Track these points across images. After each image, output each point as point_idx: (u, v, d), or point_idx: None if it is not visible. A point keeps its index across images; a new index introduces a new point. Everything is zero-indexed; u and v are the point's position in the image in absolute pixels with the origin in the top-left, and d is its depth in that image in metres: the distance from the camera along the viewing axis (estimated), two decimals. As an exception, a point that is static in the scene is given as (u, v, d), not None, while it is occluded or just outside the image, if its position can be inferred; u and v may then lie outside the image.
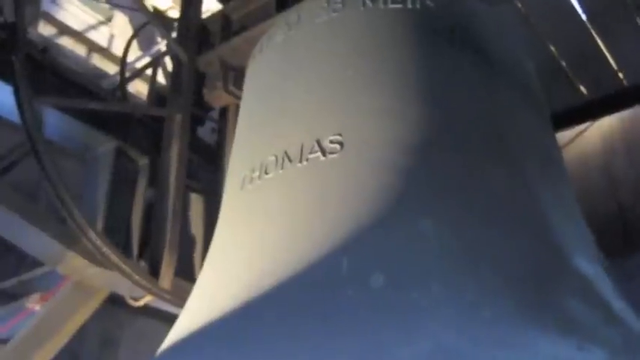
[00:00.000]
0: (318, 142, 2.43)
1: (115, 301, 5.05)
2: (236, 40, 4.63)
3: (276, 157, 2.51)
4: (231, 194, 2.76)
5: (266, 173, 2.52)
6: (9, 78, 4.09)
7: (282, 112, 2.74)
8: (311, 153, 2.42)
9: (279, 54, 3.00)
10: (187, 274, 4.85)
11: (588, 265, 2.29)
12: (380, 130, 2.41)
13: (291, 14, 3.09)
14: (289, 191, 2.40)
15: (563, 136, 6.06)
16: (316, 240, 2.16)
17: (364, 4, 2.84)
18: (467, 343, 1.72)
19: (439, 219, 2.12)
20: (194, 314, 2.35)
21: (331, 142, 2.41)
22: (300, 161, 2.43)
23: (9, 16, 4.16)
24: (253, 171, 2.58)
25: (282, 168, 2.46)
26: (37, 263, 5.25)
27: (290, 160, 2.46)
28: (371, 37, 2.76)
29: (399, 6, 2.82)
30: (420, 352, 1.69)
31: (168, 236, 4.52)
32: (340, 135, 2.41)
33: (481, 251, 2.07)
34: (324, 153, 2.39)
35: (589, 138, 6.27)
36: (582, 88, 6.16)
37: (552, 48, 5.93)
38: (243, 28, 4.74)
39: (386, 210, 2.17)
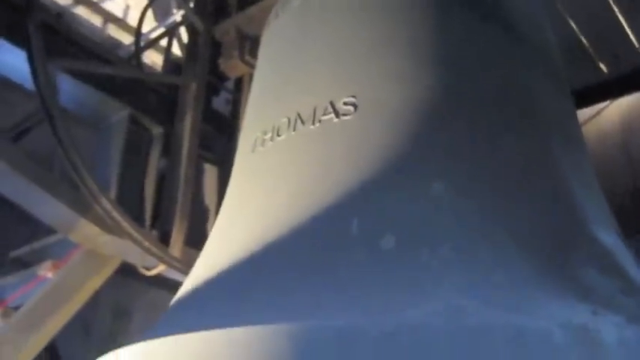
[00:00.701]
0: (332, 104, 2.39)
1: (127, 271, 5.06)
2: (252, 9, 4.61)
3: (289, 119, 2.47)
4: (243, 157, 2.74)
5: (278, 135, 2.48)
6: (23, 43, 4.07)
7: (296, 75, 2.71)
8: (324, 115, 2.38)
9: (294, 19, 2.96)
10: (200, 244, 4.82)
11: (607, 235, 2.25)
12: (395, 92, 2.37)
13: (308, -21, 3.05)
14: (301, 152, 2.37)
15: (582, 114, 5.99)
16: (326, 201, 2.13)
17: (383, -32, 2.80)
18: (478, 305, 1.69)
19: (453, 182, 2.09)
20: (202, 273, 2.34)
21: (345, 103, 2.37)
22: (313, 123, 2.39)
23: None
24: (265, 133, 2.55)
25: (294, 130, 2.43)
26: (50, 231, 5.26)
27: (302, 122, 2.42)
28: (389, 1, 2.72)
29: (419, -29, 2.77)
30: (431, 312, 1.66)
31: (179, 204, 4.51)
32: (354, 97, 2.37)
33: (495, 216, 2.03)
34: (337, 115, 2.36)
35: (608, 116, 6.21)
36: (602, 66, 6.09)
37: (573, 25, 5.86)
38: (260, -3, 4.71)
39: (398, 172, 2.13)
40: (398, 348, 1.56)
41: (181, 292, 2.43)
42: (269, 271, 2.05)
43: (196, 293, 2.28)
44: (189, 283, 2.40)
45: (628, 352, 1.68)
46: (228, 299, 2.04)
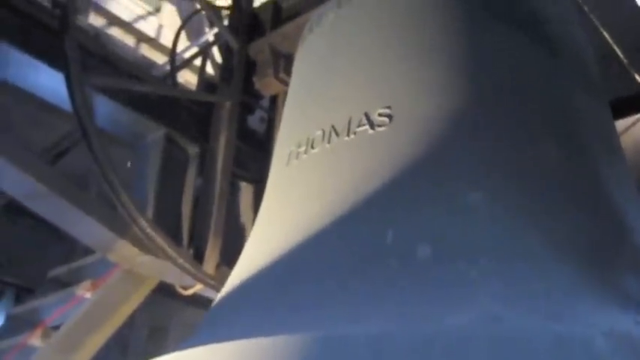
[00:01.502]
0: (367, 115, 2.38)
1: (164, 290, 5.09)
2: (286, 27, 4.65)
3: (323, 131, 2.47)
4: (277, 170, 2.74)
5: (312, 148, 2.48)
6: (60, 65, 4.12)
7: (330, 87, 2.71)
8: (359, 126, 2.37)
9: (328, 32, 2.96)
10: (236, 262, 4.85)
11: (648, 244, 2.22)
12: (429, 102, 2.36)
13: (341, -7, 3.06)
14: (336, 165, 2.37)
15: (617, 125, 5.94)
16: (361, 211, 2.12)
17: (417, -20, 2.80)
18: (518, 314, 1.67)
19: (490, 192, 2.07)
20: (237, 284, 2.34)
21: (380, 115, 2.36)
22: (348, 135, 2.38)
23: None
24: (299, 146, 2.55)
25: (328, 142, 2.42)
26: (87, 251, 5.31)
27: (337, 134, 2.42)
28: (423, 12, 2.71)
29: (454, -21, 2.77)
30: (468, 320, 1.65)
31: (213, 222, 4.53)
32: (389, 108, 2.36)
33: (533, 225, 2.00)
34: (372, 126, 2.35)
35: (644, 128, 6.14)
36: (637, 77, 6.03)
37: (607, 36, 5.81)
38: (295, 15, 4.74)
39: (434, 182, 2.12)
40: (434, 357, 1.55)
41: (215, 304, 2.43)
42: (304, 281, 2.04)
43: (230, 305, 2.28)
44: (223, 295, 2.40)
45: (671, 360, 1.65)
46: (263, 310, 2.03)
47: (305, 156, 2.49)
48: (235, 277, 2.42)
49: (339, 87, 2.66)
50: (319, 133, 2.48)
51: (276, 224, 2.45)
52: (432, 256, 1.90)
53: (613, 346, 1.57)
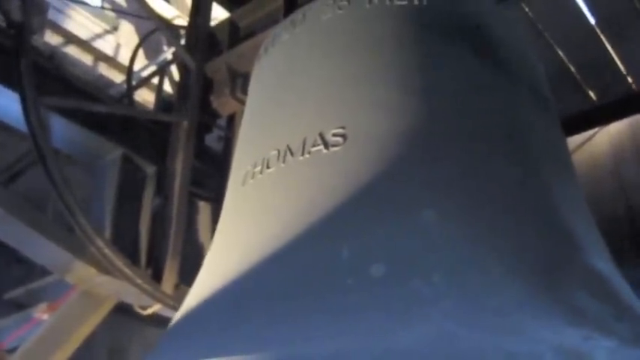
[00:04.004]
0: (321, 135, 2.40)
1: (123, 310, 5.05)
2: (243, 46, 4.65)
3: (279, 151, 2.49)
4: (233, 190, 2.75)
5: (267, 167, 2.49)
6: (15, 84, 4.09)
7: (285, 107, 2.72)
8: (313, 146, 2.39)
9: (283, 52, 2.99)
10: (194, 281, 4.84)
11: (598, 260, 2.26)
12: (383, 123, 2.38)
13: (296, 14, 3.08)
14: (291, 184, 2.38)
15: (572, 141, 6.03)
16: (316, 230, 2.14)
17: (370, 1, 2.83)
18: (470, 331, 1.69)
19: (443, 210, 2.09)
20: (193, 305, 2.34)
21: (334, 135, 2.38)
22: (302, 154, 2.40)
23: (16, 16, 4.16)
24: (255, 166, 2.56)
25: (283, 162, 2.44)
26: (46, 272, 5.26)
27: (292, 154, 2.43)
28: (376, 33, 2.74)
29: (405, 3, 2.80)
30: (422, 338, 1.66)
31: (171, 242, 4.52)
32: (343, 128, 2.38)
33: (486, 242, 2.03)
34: (326, 146, 2.37)
35: (598, 143, 6.25)
36: (591, 94, 6.14)
37: (561, 53, 5.91)
38: (251, 34, 4.75)
39: (388, 201, 2.14)
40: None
41: (172, 325, 2.43)
42: (259, 302, 2.05)
43: (186, 326, 2.28)
44: (180, 316, 2.40)
45: (620, 375, 1.68)
46: (219, 331, 2.03)
47: (260, 176, 2.51)
48: (192, 297, 2.42)
49: (293, 107, 2.68)
50: (274, 152, 2.50)
51: (233, 244, 2.46)
52: (385, 274, 1.91)
53: (562, 361, 1.60)
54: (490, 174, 2.29)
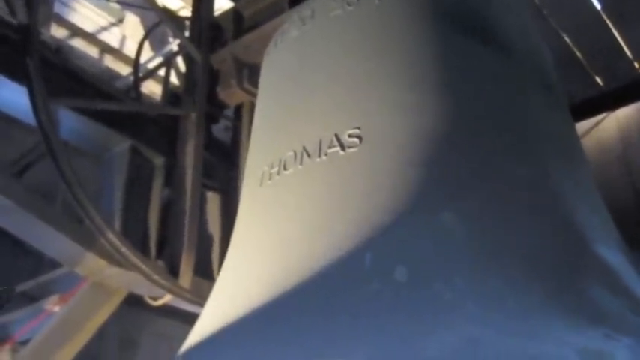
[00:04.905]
0: (337, 137, 2.41)
1: (133, 301, 5.06)
2: (248, 37, 4.63)
3: (295, 152, 2.50)
4: (250, 191, 2.75)
5: (285, 169, 2.50)
6: (23, 79, 4.09)
7: (299, 107, 2.73)
8: (330, 148, 2.40)
9: (293, 49, 2.98)
10: (205, 272, 4.85)
11: (612, 253, 2.27)
12: (399, 123, 2.39)
13: (304, 9, 3.07)
14: (309, 187, 2.39)
15: (580, 127, 6.03)
16: (338, 235, 2.14)
17: (379, -3, 2.82)
18: (494, 334, 1.71)
19: (461, 212, 2.10)
20: (215, 314, 2.34)
21: (350, 136, 2.39)
22: (319, 156, 2.41)
23: (22, 17, 4.16)
24: (272, 167, 2.57)
25: (300, 164, 2.45)
26: (55, 264, 5.27)
27: (309, 156, 2.44)
28: (386, 29, 2.74)
29: (414, -2, 2.80)
30: (447, 344, 1.68)
31: (186, 235, 4.52)
32: (359, 129, 2.39)
33: (505, 243, 2.04)
34: (343, 147, 2.38)
35: (606, 129, 6.23)
36: (598, 79, 6.13)
37: (567, 39, 5.90)
38: (256, 24, 4.74)
39: (407, 204, 2.15)
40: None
41: (194, 333, 2.43)
42: (284, 308, 2.06)
43: (213, 333, 2.28)
44: (203, 323, 2.41)
45: (641, 373, 1.70)
46: (244, 339, 2.05)
47: (278, 177, 2.52)
48: (214, 304, 2.43)
49: (307, 107, 2.68)
50: (291, 154, 2.51)
51: (253, 249, 2.46)
52: (408, 278, 1.92)
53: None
54: (504, 172, 2.29)
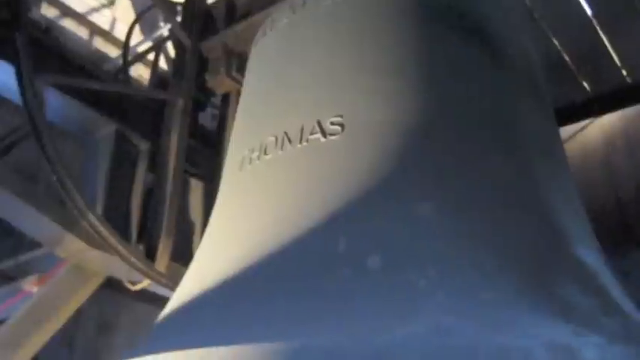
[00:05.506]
0: (319, 124, 2.41)
1: (112, 285, 5.06)
2: (240, 26, 4.64)
3: (276, 137, 2.50)
4: (230, 175, 2.76)
5: (265, 154, 2.51)
6: (11, 57, 4.07)
7: (283, 93, 2.73)
8: (311, 134, 2.40)
9: (282, 37, 2.99)
10: (186, 259, 4.84)
11: (589, 254, 2.29)
12: (381, 112, 2.39)
13: (295, -2, 3.08)
14: (288, 172, 2.39)
15: (564, 131, 6.05)
16: (313, 220, 2.15)
17: (369, -11, 2.83)
18: (464, 325, 1.72)
19: (439, 202, 2.11)
20: (186, 294, 2.35)
21: (332, 123, 2.40)
22: (300, 142, 2.41)
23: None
24: (252, 152, 2.57)
25: (281, 149, 2.45)
26: (35, 245, 5.25)
27: (290, 141, 2.45)
28: (375, 21, 2.74)
29: (404, -9, 2.80)
30: (416, 332, 1.68)
31: (165, 220, 4.52)
32: (341, 117, 2.40)
33: (480, 235, 2.06)
34: (324, 134, 2.38)
35: (590, 134, 6.26)
36: (585, 84, 6.15)
37: (556, 43, 5.92)
38: (248, 13, 4.74)
39: (385, 192, 2.16)
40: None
41: (167, 310, 2.44)
42: (255, 289, 2.06)
43: (182, 312, 2.29)
44: (175, 301, 2.41)
45: (609, 372, 1.71)
46: (214, 318, 2.05)
47: (258, 162, 2.52)
48: (188, 283, 2.43)
49: (292, 93, 2.68)
50: (272, 139, 2.51)
51: (230, 230, 2.47)
52: (382, 265, 1.93)
53: (552, 357, 1.62)
54: (485, 166, 2.31)
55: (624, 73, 5.99)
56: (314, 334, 1.74)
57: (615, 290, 2.23)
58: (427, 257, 1.96)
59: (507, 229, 2.13)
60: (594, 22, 5.76)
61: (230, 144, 3.01)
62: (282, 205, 2.30)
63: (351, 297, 1.88)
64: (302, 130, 2.44)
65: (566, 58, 6.00)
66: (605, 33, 5.81)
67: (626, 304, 2.19)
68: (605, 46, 5.87)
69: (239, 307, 2.02)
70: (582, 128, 6.23)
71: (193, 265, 2.56)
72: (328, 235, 2.08)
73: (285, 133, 2.47)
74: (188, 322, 2.18)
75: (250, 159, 2.56)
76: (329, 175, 2.27)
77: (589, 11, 5.72)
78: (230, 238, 2.40)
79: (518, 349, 1.63)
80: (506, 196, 2.25)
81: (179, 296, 2.41)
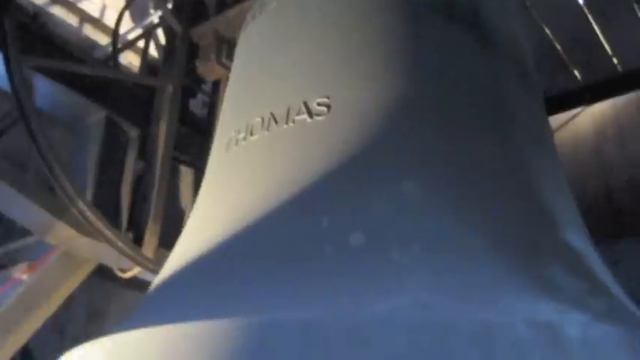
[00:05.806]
0: (305, 104, 2.41)
1: (103, 273, 5.05)
2: (231, 12, 4.62)
3: (263, 118, 2.49)
4: (217, 157, 2.75)
5: (251, 135, 2.50)
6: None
7: (270, 76, 2.72)
8: (298, 115, 2.40)
9: (271, 21, 2.98)
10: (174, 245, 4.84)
11: (575, 237, 2.29)
12: (368, 94, 2.39)
13: (286, -17, 3.06)
14: (274, 152, 2.39)
15: (556, 119, 6.07)
16: (297, 198, 2.15)
17: (358, -27, 2.82)
18: (446, 301, 1.72)
19: (424, 181, 2.11)
20: (172, 269, 2.35)
21: (318, 104, 2.39)
22: (287, 123, 2.41)
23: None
24: (239, 132, 2.57)
25: (267, 129, 2.45)
26: (25, 233, 5.24)
27: (276, 122, 2.44)
28: (363, 5, 2.74)
29: (395, -25, 2.79)
30: (397, 307, 1.68)
31: (153, 206, 4.52)
32: (328, 98, 2.39)
33: (466, 214, 2.06)
34: (310, 115, 2.38)
35: (581, 122, 6.27)
36: (576, 73, 6.16)
37: (548, 31, 5.92)
38: (239, 0, 4.72)
39: (370, 170, 2.16)
40: (362, 342, 1.57)
41: (152, 288, 2.44)
42: (238, 267, 2.06)
43: (166, 290, 2.29)
44: (161, 278, 2.41)
45: (592, 350, 1.70)
46: (198, 293, 2.05)
47: (244, 143, 2.51)
48: (172, 262, 2.43)
49: (279, 75, 2.68)
50: (258, 120, 2.50)
51: (214, 210, 2.47)
52: (365, 243, 1.93)
53: (534, 334, 1.62)
54: (472, 147, 2.30)
55: (615, 61, 6.00)
56: (294, 309, 1.74)
57: (603, 273, 2.23)
58: (411, 235, 1.96)
59: (494, 209, 2.13)
60: (586, 10, 5.76)
61: (218, 126, 3.01)
62: (266, 184, 2.29)
63: (333, 273, 1.88)
64: (288, 111, 2.43)
65: (558, 46, 6.01)
66: (596, 22, 5.82)
67: (614, 287, 2.20)
68: (597, 35, 5.88)
69: (221, 285, 2.02)
70: (573, 116, 6.24)
71: (178, 245, 2.55)
72: (312, 213, 2.08)
73: (272, 114, 2.46)
74: (169, 300, 2.18)
75: (237, 140, 2.56)
76: (314, 154, 2.27)
77: (581, 0, 5.73)
78: (215, 217, 2.40)
79: (499, 325, 1.62)
80: (494, 177, 2.25)
81: (163, 275, 2.41)
